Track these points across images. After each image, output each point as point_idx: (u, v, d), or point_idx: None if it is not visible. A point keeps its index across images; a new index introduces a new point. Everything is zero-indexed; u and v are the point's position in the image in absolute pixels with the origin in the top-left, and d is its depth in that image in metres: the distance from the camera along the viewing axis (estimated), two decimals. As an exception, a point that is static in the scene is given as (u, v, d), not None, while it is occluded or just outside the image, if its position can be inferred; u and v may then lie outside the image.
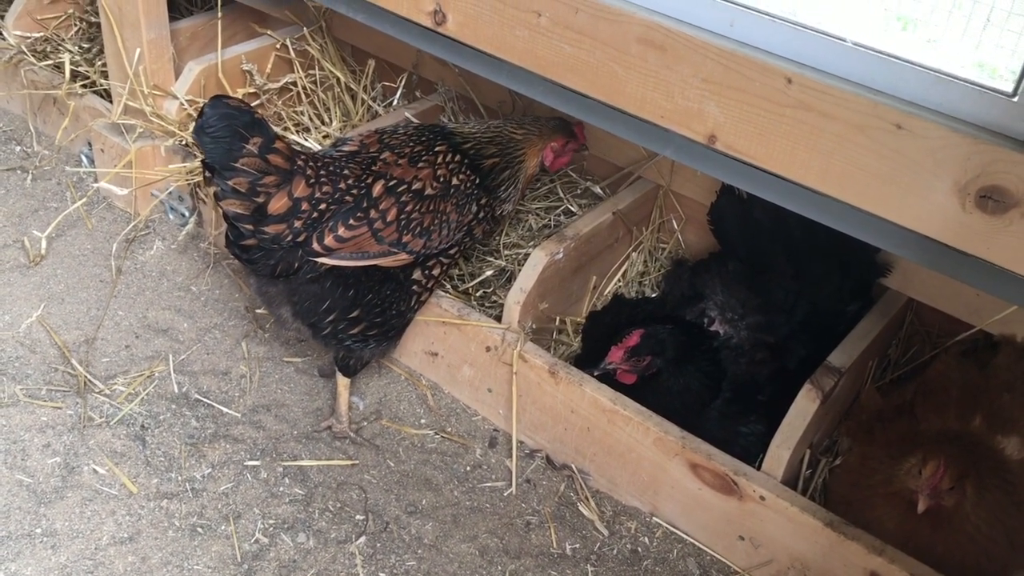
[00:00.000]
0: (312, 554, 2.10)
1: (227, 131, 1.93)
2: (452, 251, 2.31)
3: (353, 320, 2.22)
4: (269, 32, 3.01)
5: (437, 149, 2.29)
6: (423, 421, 2.46)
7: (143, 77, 2.73)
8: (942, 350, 2.27)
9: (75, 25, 3.29)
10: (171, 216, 2.92)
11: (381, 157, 2.23)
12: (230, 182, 1.96)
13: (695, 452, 2.08)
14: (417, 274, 2.26)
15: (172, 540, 2.09)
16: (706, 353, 2.28)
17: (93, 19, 3.29)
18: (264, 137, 1.96)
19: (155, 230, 2.91)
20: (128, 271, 2.77)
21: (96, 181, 2.98)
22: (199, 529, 2.12)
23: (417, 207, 2.19)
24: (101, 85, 3.03)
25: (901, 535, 1.94)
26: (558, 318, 2.50)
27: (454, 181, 2.28)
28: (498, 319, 2.37)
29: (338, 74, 3.01)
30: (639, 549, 2.19)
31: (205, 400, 2.42)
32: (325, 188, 2.10)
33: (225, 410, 2.41)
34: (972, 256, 1.65)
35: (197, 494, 2.20)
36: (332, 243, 2.09)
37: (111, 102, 2.86)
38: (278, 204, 2.02)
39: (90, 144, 2.99)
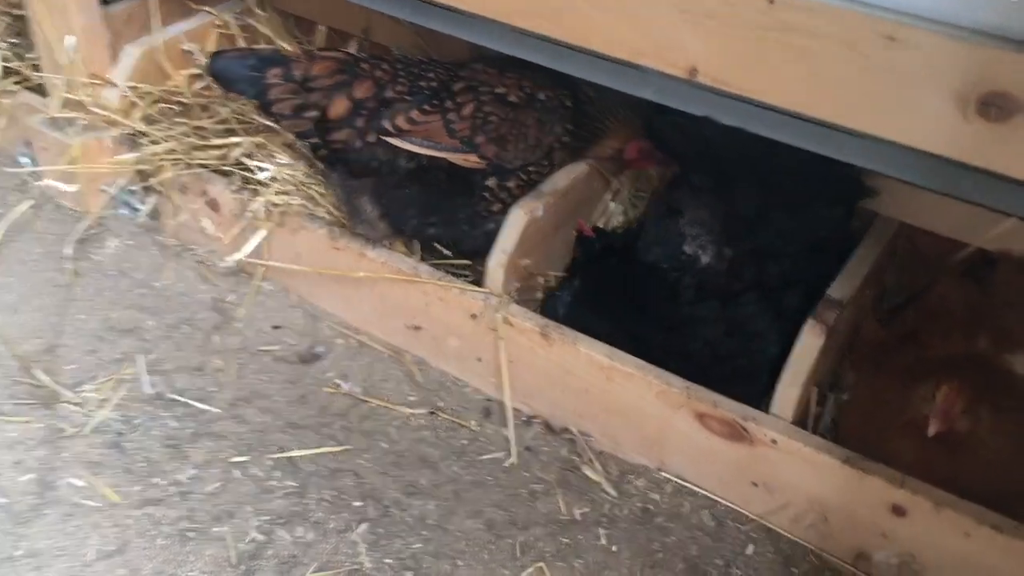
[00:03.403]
0: (313, 547, 2.00)
1: (238, 76, 2.12)
2: (530, 169, 2.31)
3: (432, 224, 2.32)
4: (207, 8, 2.85)
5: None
6: (412, 398, 2.36)
7: (79, 66, 2.57)
8: (940, 273, 2.20)
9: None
10: (124, 211, 2.77)
11: (472, 65, 2.32)
12: (273, 109, 2.13)
13: (700, 401, 2.01)
14: (491, 181, 2.27)
15: (163, 548, 1.98)
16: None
17: (17, 12, 3.10)
18: (282, 66, 2.11)
19: (109, 227, 2.76)
20: (84, 272, 2.63)
21: (40, 181, 2.82)
22: (190, 534, 2.01)
23: (496, 110, 2.23)
24: (35, 80, 2.86)
25: (919, 466, 1.89)
26: (542, 278, 2.40)
27: (541, 96, 2.30)
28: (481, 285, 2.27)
29: (285, 46, 2.86)
30: (650, 507, 2.12)
31: (181, 399, 2.30)
32: (400, 87, 2.18)
33: (204, 407, 2.29)
34: (974, 169, 1.58)
35: (184, 497, 2.08)
36: (403, 124, 2.16)
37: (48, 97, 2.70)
38: (339, 109, 2.13)
39: (30, 143, 2.82)
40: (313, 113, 2.15)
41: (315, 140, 2.20)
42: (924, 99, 1.53)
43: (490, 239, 2.25)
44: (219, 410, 2.28)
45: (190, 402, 2.30)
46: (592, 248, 2.36)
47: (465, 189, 2.30)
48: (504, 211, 2.27)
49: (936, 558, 1.85)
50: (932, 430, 1.81)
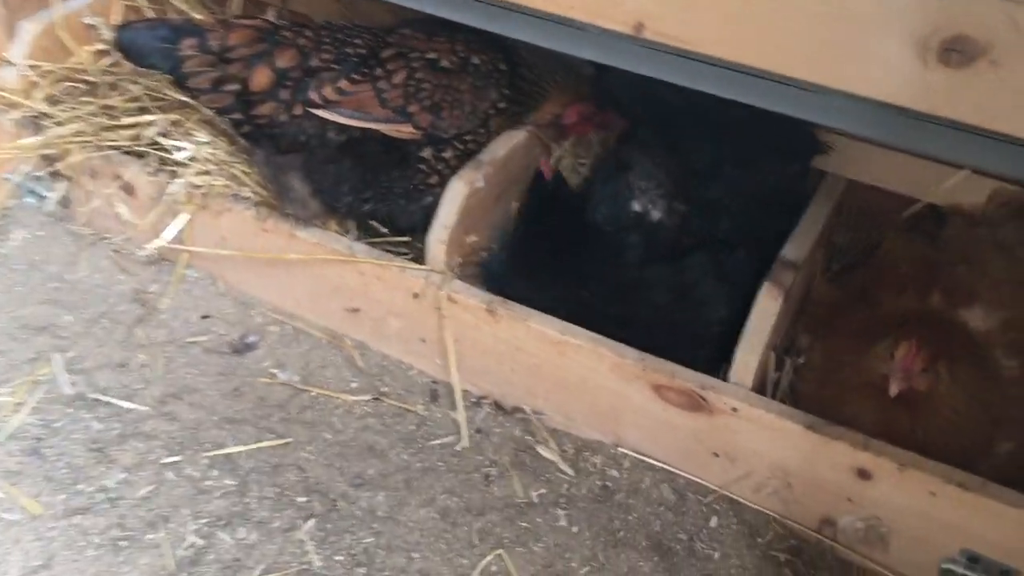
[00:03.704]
0: (257, 548, 1.88)
1: (149, 49, 1.98)
2: (467, 139, 2.21)
3: (366, 200, 2.20)
4: (111, -22, 2.65)
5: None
6: (354, 384, 2.24)
7: (-30, 45, 2.37)
8: (889, 230, 2.17)
9: None
10: (30, 199, 2.57)
11: (400, 31, 2.21)
12: (190, 84, 1.99)
13: (657, 372, 1.94)
14: (427, 152, 2.16)
15: (93, 560, 1.83)
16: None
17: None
18: (197, 37, 1.97)
19: (14, 217, 2.55)
20: (-10, 268, 2.44)
21: (-66, 172, 2.60)
22: (122, 543, 1.87)
23: (428, 77, 2.12)
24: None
25: (880, 427, 1.85)
26: (485, 253, 2.30)
27: (474, 60, 2.20)
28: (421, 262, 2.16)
29: (197, 16, 2.68)
30: (609, 484, 2.05)
31: (105, 398, 2.14)
32: (326, 55, 2.06)
33: (130, 406, 2.13)
34: (932, 119, 1.53)
35: (114, 504, 1.94)
36: (331, 94, 2.04)
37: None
38: (261, 80, 2.00)
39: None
40: (233, 86, 2.01)
41: (237, 115, 2.06)
42: (882, 47, 1.47)
43: (428, 214, 2.14)
44: (147, 408, 2.13)
45: (114, 401, 2.14)
46: (544, 192, 2.25)
47: (400, 162, 2.19)
48: (442, 184, 2.16)
49: (903, 519, 1.82)
50: (893, 389, 1.77)
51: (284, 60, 2.03)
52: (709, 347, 2.04)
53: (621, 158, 2.23)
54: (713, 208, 2.18)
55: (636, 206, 2.21)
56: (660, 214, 2.20)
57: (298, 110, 2.04)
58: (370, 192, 2.21)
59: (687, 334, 2.07)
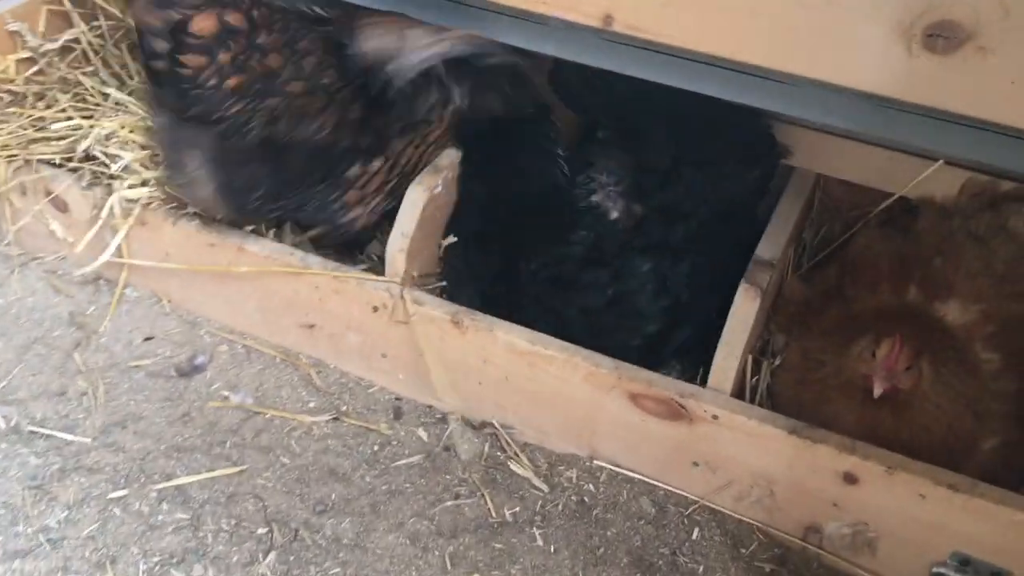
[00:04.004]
0: (214, 587, 1.76)
1: None
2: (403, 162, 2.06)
3: (277, 209, 2.05)
4: (34, -18, 2.50)
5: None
6: (312, 404, 2.12)
7: None
8: (863, 225, 2.12)
9: None
10: (-46, 219, 2.41)
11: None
12: None
13: (633, 381, 1.85)
14: (355, 169, 2.01)
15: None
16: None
17: None
18: None
19: (-64, 240, 2.40)
20: (-90, 294, 2.27)
21: None
22: (68, 588, 1.73)
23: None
24: None
25: (862, 427, 1.79)
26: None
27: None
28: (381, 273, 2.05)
29: (130, 21, 2.53)
30: (585, 499, 1.96)
31: (42, 430, 2.00)
32: (275, 37, 1.89)
33: (70, 438, 1.99)
34: (917, 109, 1.48)
35: (56, 545, 1.80)
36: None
37: None
38: (204, 24, 1.80)
39: None
40: (172, 13, 1.81)
41: (161, 47, 1.84)
42: (865, 35, 1.41)
43: (345, 234, 2.03)
44: (88, 439, 2.00)
45: (53, 433, 2.00)
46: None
47: (325, 175, 2.03)
48: (364, 207, 2.05)
49: (891, 523, 1.76)
50: (877, 390, 1.71)
51: (234, 20, 1.86)
52: (633, 358, 1.95)
53: (582, 154, 2.14)
54: (668, 212, 2.11)
55: (595, 199, 2.13)
56: (617, 213, 2.12)
57: (233, 82, 1.86)
58: (284, 201, 2.04)
59: (614, 341, 1.99)
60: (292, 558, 1.81)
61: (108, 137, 2.24)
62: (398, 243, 1.99)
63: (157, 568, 1.77)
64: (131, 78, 2.50)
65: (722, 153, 2.11)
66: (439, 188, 2.04)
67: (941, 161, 1.88)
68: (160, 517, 1.86)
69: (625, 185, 2.12)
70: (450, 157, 2.12)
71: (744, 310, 1.84)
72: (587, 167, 2.15)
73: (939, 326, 1.88)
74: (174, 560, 1.79)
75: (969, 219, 1.95)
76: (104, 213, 2.16)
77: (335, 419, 2.08)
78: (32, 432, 1.99)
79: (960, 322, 1.88)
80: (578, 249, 2.06)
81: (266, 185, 2.00)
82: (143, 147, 2.22)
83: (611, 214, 2.12)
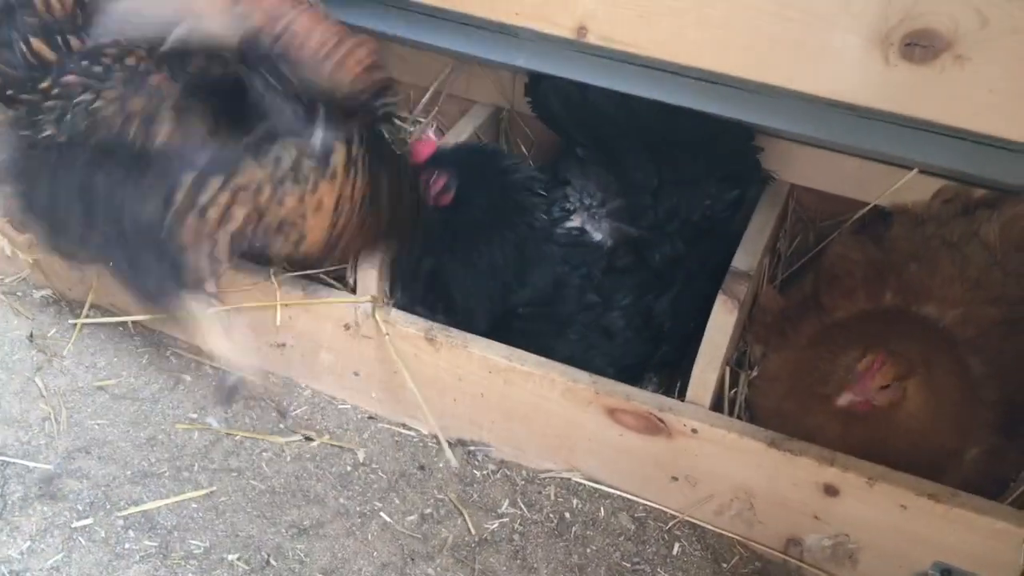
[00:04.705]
0: (185, 617, 1.70)
1: None
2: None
3: (91, 239, 1.59)
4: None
5: None
6: (283, 425, 2.07)
7: None
8: (837, 234, 2.11)
9: None
10: (-94, 241, 2.33)
11: None
12: None
13: (611, 396, 1.83)
14: (188, 176, 1.53)
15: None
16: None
17: None
18: None
19: None
20: None
21: None
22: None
23: None
24: None
25: (843, 441, 1.77)
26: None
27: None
28: (353, 291, 2.00)
29: None
30: (565, 515, 1.93)
31: (3, 457, 1.93)
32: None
33: (32, 465, 1.93)
34: (894, 119, 1.47)
35: (17, 578, 1.74)
36: None
37: None
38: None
39: None
40: None
41: None
42: (842, 44, 1.41)
43: (176, 277, 1.61)
44: (51, 466, 1.93)
45: (14, 460, 1.93)
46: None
47: (152, 192, 1.54)
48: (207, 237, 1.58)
49: (873, 534, 1.75)
50: (842, 400, 1.70)
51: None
52: (611, 375, 1.92)
53: (560, 170, 2.11)
54: (650, 232, 2.08)
55: (574, 221, 2.09)
56: (600, 235, 2.09)
57: (69, 78, 1.49)
58: (102, 228, 1.58)
59: (594, 368, 1.96)
60: (265, 585, 1.77)
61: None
62: (372, 259, 1.95)
63: (125, 599, 1.72)
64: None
65: (701, 172, 2.08)
66: (410, 202, 2.01)
67: (916, 170, 1.88)
68: (127, 545, 1.80)
69: (606, 206, 2.10)
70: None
71: (721, 321, 1.82)
72: (564, 185, 2.12)
73: (937, 332, 1.87)
74: (142, 590, 1.74)
75: (943, 226, 1.94)
76: (65, 232, 2.10)
77: (307, 439, 2.04)
78: (-9, 460, 1.93)
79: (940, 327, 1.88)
80: (558, 272, 2.02)
81: (85, 202, 1.56)
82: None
83: (593, 236, 2.09)
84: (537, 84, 2.07)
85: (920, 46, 1.36)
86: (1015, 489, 1.79)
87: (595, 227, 2.09)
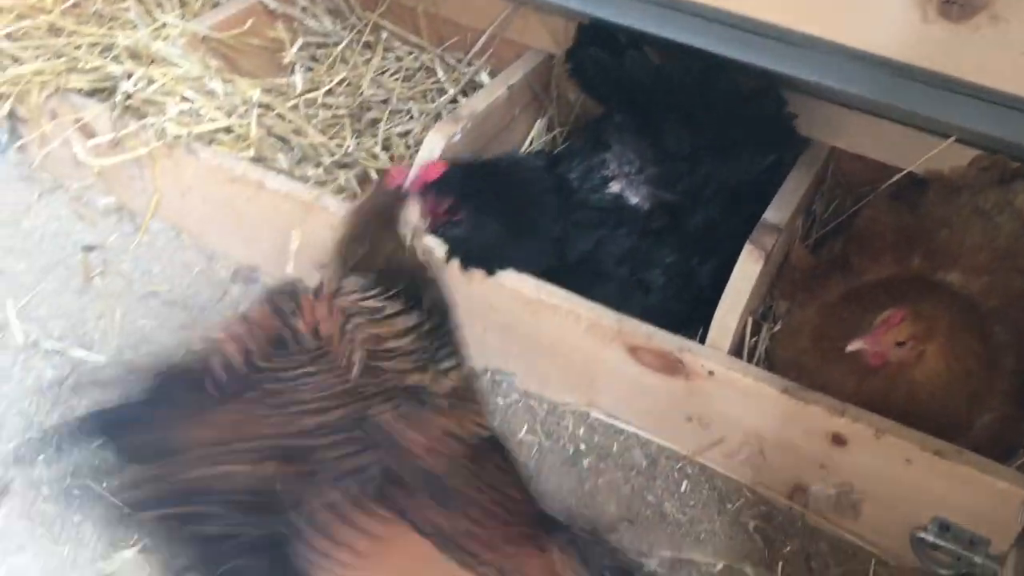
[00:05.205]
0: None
1: None
2: None
3: None
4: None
5: None
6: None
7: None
8: (872, 197, 2.14)
9: None
10: (-15, 142, 2.48)
11: None
12: None
13: (633, 334, 1.90)
14: None
15: (43, 510, 1.77)
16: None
17: None
18: None
19: (-32, 161, 2.47)
20: (-60, 211, 2.34)
21: None
22: (74, 491, 1.79)
23: None
24: None
25: (860, 397, 1.81)
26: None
27: None
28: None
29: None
30: (581, 446, 2.01)
31: (59, 347, 2.06)
32: None
33: (85, 355, 2.05)
34: (929, 77, 1.50)
35: (66, 454, 1.86)
36: None
37: None
38: None
39: None
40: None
41: None
42: (882, -2, 1.44)
43: None
44: (103, 358, 2.06)
45: (69, 350, 2.06)
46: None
47: None
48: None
49: (876, 486, 1.80)
50: (853, 346, 1.74)
51: None
52: None
53: (600, 133, 2.17)
54: (686, 198, 2.13)
55: (613, 188, 2.15)
56: (637, 199, 2.15)
57: None
58: None
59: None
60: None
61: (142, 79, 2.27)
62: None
63: (161, 481, 1.83)
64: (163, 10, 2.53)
65: (738, 137, 2.12)
66: (457, 136, 2.09)
67: (953, 138, 1.90)
68: (167, 435, 1.92)
69: (645, 172, 2.15)
70: (470, 107, 2.16)
71: (747, 270, 1.87)
72: (604, 150, 2.17)
73: (960, 302, 1.88)
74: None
75: (977, 194, 1.96)
76: (130, 144, 2.22)
77: (342, 356, 2.13)
78: (50, 349, 2.06)
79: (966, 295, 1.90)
80: (594, 237, 2.08)
81: None
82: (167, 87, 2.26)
83: (630, 200, 2.14)
84: (575, 51, 2.12)
85: (957, 4, 1.39)
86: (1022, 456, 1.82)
87: (633, 192, 2.15)
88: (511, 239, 2.00)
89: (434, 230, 1.95)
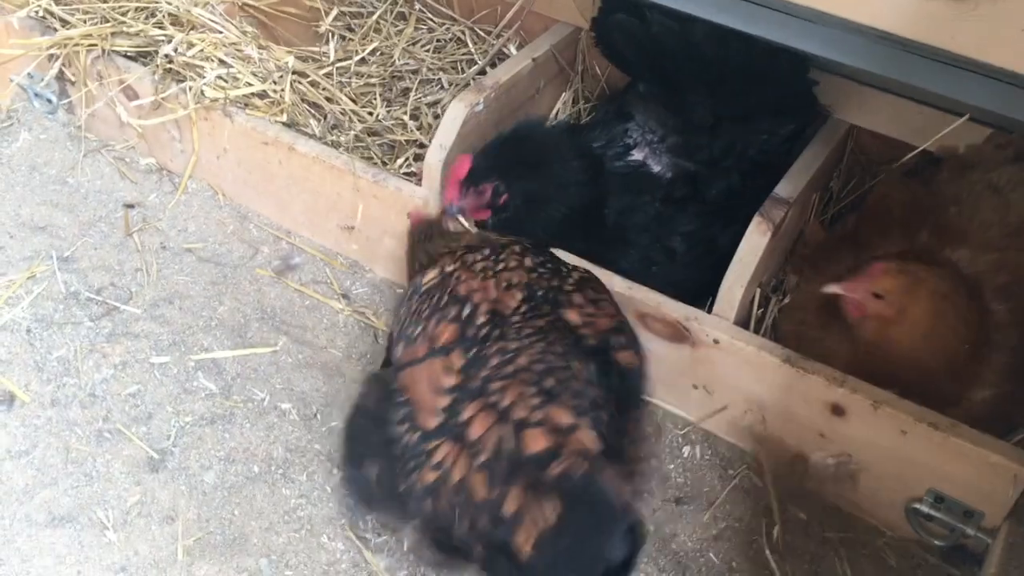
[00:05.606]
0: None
1: None
2: None
3: None
4: None
5: None
6: (341, 306, 2.26)
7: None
8: (884, 175, 2.16)
9: None
10: (36, 103, 2.60)
11: None
12: None
13: (643, 302, 1.95)
14: None
15: (76, 448, 1.88)
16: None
17: None
18: None
19: (19, 120, 2.59)
20: (-8, 167, 2.47)
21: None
22: (106, 434, 1.91)
23: None
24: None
25: (850, 368, 1.85)
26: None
27: None
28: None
29: None
30: (588, 410, 2.07)
31: (98, 298, 2.18)
32: None
33: (122, 307, 2.17)
34: (927, 52, 1.53)
35: (99, 399, 1.98)
36: None
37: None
38: None
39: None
40: None
41: None
42: (882, -28, 1.46)
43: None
44: (139, 310, 2.17)
45: (108, 301, 2.18)
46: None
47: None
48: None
49: (873, 457, 1.83)
50: (827, 289, 1.77)
51: None
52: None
53: (625, 104, 2.21)
54: (706, 168, 2.17)
55: (635, 156, 2.20)
56: (659, 167, 2.19)
57: None
58: None
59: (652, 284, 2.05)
60: (309, 436, 1.96)
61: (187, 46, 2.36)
62: (435, 154, 2.11)
63: (188, 426, 1.94)
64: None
65: (759, 106, 2.15)
66: (480, 106, 2.15)
67: (966, 116, 1.91)
68: (195, 383, 2.03)
69: (667, 140, 2.19)
70: (495, 77, 2.22)
71: (754, 242, 1.91)
72: (627, 119, 2.21)
73: (955, 273, 1.90)
74: (203, 422, 1.95)
75: (990, 171, 1.97)
76: (171, 107, 2.32)
77: (359, 312, 2.22)
78: (89, 298, 2.17)
79: (970, 270, 1.91)
80: (634, 206, 2.13)
81: None
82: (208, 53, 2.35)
83: (653, 168, 2.19)
84: (602, 20, 2.16)
85: (958, -20, 1.41)
86: (1021, 432, 1.84)
87: (656, 161, 2.19)
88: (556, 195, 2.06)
89: (487, 222, 2.04)
